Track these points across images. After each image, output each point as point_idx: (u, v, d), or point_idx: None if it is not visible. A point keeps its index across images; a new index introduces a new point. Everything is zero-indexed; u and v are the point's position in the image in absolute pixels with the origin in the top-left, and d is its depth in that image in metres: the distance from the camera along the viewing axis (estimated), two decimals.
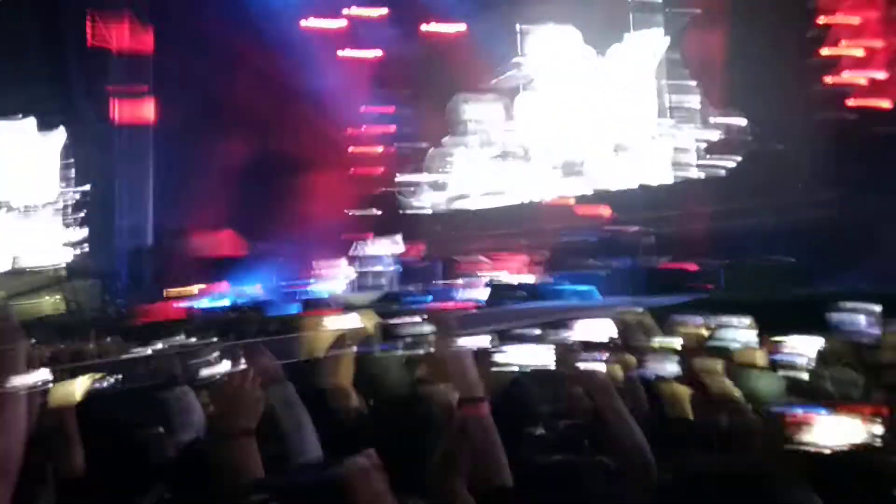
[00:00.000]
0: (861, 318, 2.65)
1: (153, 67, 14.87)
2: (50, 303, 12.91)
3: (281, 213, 13.41)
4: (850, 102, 10.00)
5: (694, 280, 9.34)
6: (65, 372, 2.43)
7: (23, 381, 1.48)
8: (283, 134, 13.69)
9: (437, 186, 15.40)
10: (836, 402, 1.35)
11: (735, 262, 9.48)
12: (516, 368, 2.27)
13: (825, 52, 10.24)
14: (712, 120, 11.82)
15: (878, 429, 1.25)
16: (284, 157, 13.87)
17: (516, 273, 11.46)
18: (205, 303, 12.55)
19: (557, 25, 13.45)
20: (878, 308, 2.61)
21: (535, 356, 2.25)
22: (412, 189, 15.63)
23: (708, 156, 12.02)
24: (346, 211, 15.00)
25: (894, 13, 9.72)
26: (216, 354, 2.34)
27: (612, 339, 2.79)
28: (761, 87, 10.84)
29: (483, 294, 10.54)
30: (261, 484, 1.25)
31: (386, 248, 12.61)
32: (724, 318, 3.05)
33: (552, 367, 2.23)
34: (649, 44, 12.56)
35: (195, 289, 12.99)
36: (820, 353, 2.68)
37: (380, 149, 15.94)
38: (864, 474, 1.24)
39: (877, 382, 2.32)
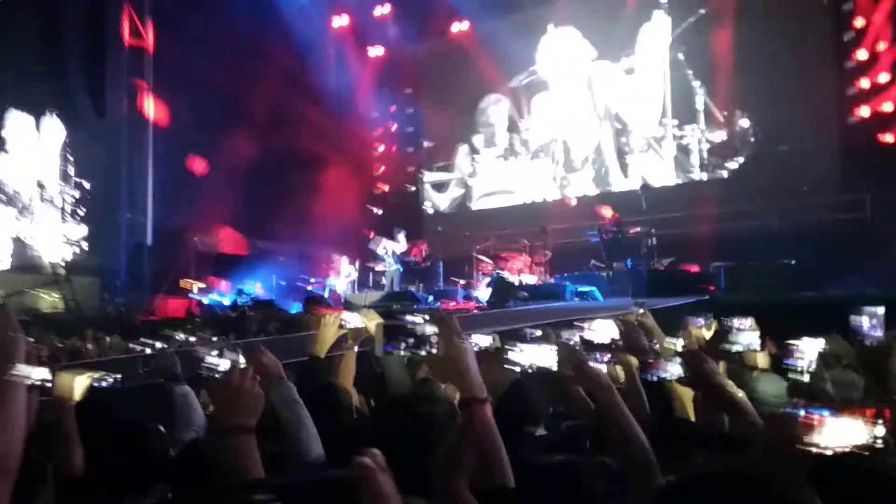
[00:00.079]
0: (865, 321, 2.63)
1: (155, 63, 14.87)
2: (48, 301, 12.91)
3: (284, 210, 13.42)
4: (859, 106, 9.97)
5: (697, 282, 9.33)
6: (64, 370, 2.42)
7: (23, 378, 1.47)
8: (288, 131, 13.70)
9: (442, 186, 15.41)
10: (839, 404, 1.35)
11: (738, 264, 9.48)
12: (518, 369, 2.26)
13: (854, 54, 10.20)
14: (719, 121, 11.81)
15: (881, 431, 1.25)
16: (288, 154, 13.89)
17: (519, 273, 11.46)
18: (207, 301, 12.56)
19: (566, 26, 13.45)
20: (882, 311, 2.59)
21: (537, 357, 2.24)
22: (417, 188, 15.65)
23: (714, 157, 12.02)
24: (350, 209, 15.02)
25: None
26: (216, 353, 2.34)
27: (614, 340, 2.78)
28: (767, 88, 10.83)
29: (486, 294, 10.54)
30: (265, 483, 1.24)
31: (390, 247, 12.61)
32: (727, 320, 3.04)
33: (554, 367, 2.22)
34: (657, 45, 12.55)
35: (197, 287, 13.00)
36: (823, 356, 2.67)
37: (399, 147, 15.98)
38: (867, 476, 1.23)
39: (880, 386, 2.30)
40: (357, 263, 13.11)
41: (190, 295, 12.64)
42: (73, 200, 15.13)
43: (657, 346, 3.05)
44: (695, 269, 9.84)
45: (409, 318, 2.22)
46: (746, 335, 2.94)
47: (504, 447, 1.74)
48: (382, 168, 16.11)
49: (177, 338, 3.99)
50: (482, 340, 2.34)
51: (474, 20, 14.28)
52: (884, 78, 9.98)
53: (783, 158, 10.75)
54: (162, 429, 2.28)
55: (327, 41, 14.82)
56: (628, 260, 10.61)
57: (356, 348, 2.90)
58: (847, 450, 1.23)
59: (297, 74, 13.84)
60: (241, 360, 2.21)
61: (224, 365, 2.18)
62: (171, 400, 2.70)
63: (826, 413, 1.26)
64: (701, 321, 3.13)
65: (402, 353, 2.19)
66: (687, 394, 2.25)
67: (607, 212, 11.36)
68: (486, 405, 1.78)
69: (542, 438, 2.51)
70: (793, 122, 10.71)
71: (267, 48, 13.51)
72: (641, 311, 3.43)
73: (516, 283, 10.77)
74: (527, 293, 10.20)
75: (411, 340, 2.23)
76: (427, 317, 2.05)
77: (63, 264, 14.22)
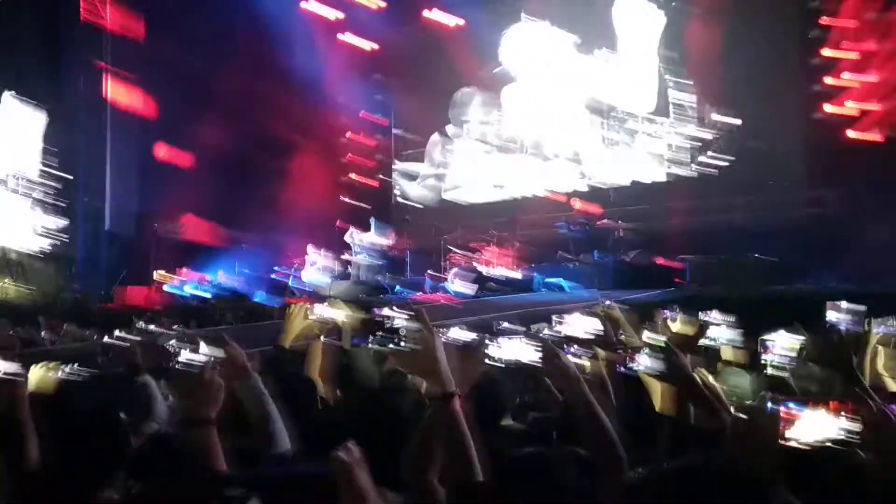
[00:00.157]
0: (841, 316, 2.68)
1: (136, 47, 14.46)
2: (1, 288, 12.55)
3: (252, 198, 13.22)
4: (841, 104, 10.12)
5: (676, 276, 9.41)
6: (17, 359, 2.33)
7: None
8: (272, 118, 13.44)
9: (425, 178, 15.34)
10: (814, 399, 1.36)
11: (705, 257, 9.58)
12: (492, 362, 2.25)
13: (820, 52, 10.35)
14: (702, 117, 11.88)
15: (855, 426, 1.26)
16: (272, 141, 13.65)
17: (500, 266, 11.47)
18: (181, 290, 12.32)
19: (552, 18, 13.41)
20: (858, 307, 2.64)
21: (513, 350, 2.23)
22: (399, 180, 15.55)
23: (684, 152, 12.13)
24: (318, 198, 14.85)
25: (891, 16, 9.86)
26: (177, 342, 2.28)
27: (593, 333, 2.78)
28: (738, 84, 10.93)
29: (467, 287, 10.51)
30: (239, 477, 1.22)
31: (370, 239, 12.52)
32: (705, 315, 3.06)
33: (526, 360, 2.22)
34: (644, 39, 12.57)
35: (174, 276, 12.75)
36: (799, 351, 2.71)
37: (368, 138, 15.83)
38: (841, 470, 1.25)
39: (854, 381, 2.35)
40: (323, 252, 12.98)
41: (166, 284, 12.37)
42: (28, 183, 14.66)
43: (623, 337, 3.07)
44: (675, 263, 9.92)
45: (382, 310, 2.19)
46: (724, 330, 2.99)
47: (472, 441, 1.73)
48: (352, 157, 15.97)
49: (138, 327, 3.90)
50: (462, 335, 2.33)
51: (449, 8, 14.21)
52: (848, 76, 10.18)
53: (753, 154, 10.88)
54: (123, 418, 2.21)
55: (298, 27, 14.58)
56: (594, 252, 10.71)
57: (323, 339, 2.86)
58: (822, 445, 1.24)
59: (267, 60, 13.61)
60: (206, 349, 2.16)
61: (186, 355, 2.13)
62: (131, 390, 2.63)
63: (801, 408, 1.28)
64: (667, 313, 3.15)
65: (371, 345, 2.16)
66: (665, 388, 2.26)
67: (576, 204, 11.43)
68: (455, 400, 1.77)
69: (511, 430, 2.51)
70: (763, 118, 10.84)
71: (237, 32, 13.23)
72: (608, 302, 3.45)
73: (498, 276, 10.81)
74: (495, 284, 10.23)
75: (380, 333, 2.20)
76: (400, 309, 2.02)
77: (15, 250, 13.80)
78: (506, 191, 14.05)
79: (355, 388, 2.83)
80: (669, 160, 12.28)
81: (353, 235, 12.64)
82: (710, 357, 3.04)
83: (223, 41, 13.08)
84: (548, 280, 10.02)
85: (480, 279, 10.45)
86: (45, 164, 14.52)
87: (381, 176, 15.63)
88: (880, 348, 2.70)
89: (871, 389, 2.17)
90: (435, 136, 15.05)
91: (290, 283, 12.34)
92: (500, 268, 11.46)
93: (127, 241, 13.88)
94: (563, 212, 12.11)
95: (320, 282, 12.27)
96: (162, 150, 13.90)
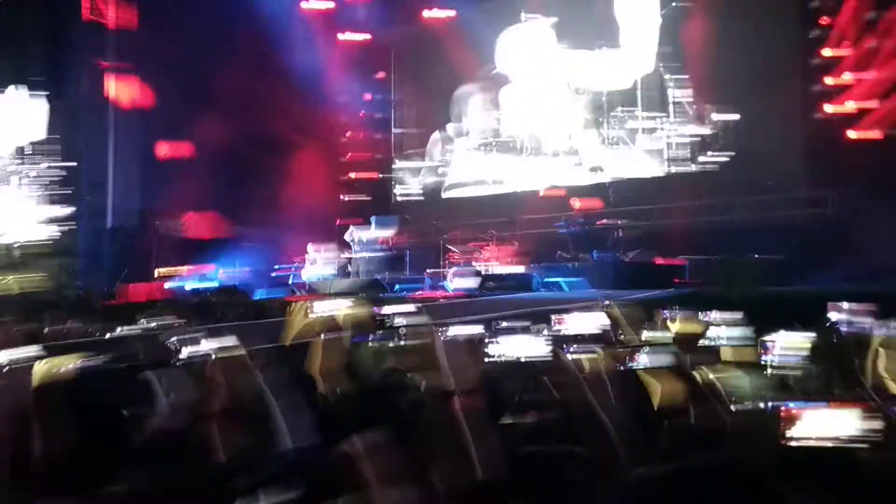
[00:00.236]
0: (847, 316, 2.70)
1: (138, 45, 14.46)
2: (3, 283, 12.56)
3: (253, 195, 13.23)
4: (841, 103, 10.12)
5: (680, 275, 9.40)
6: (22, 353, 2.35)
7: None
8: (273, 116, 13.46)
9: (427, 174, 15.34)
10: (822, 398, 1.37)
11: (721, 257, 9.55)
12: (493, 360, 2.26)
13: (820, 51, 10.35)
14: (702, 114, 11.87)
15: (863, 424, 1.27)
16: (273, 139, 13.66)
17: (503, 263, 11.48)
18: (183, 285, 12.32)
19: (551, 15, 13.40)
20: (864, 307, 2.65)
21: (515, 348, 2.25)
22: (401, 176, 15.55)
23: (684, 151, 12.12)
24: (334, 196, 14.89)
25: (892, 15, 9.86)
26: (179, 338, 2.30)
27: (597, 332, 2.80)
28: (739, 83, 10.93)
29: (469, 283, 10.51)
30: (247, 468, 1.24)
31: (373, 235, 12.54)
32: (710, 314, 3.08)
33: (527, 358, 2.23)
34: (640, 36, 12.54)
35: (175, 271, 12.77)
36: (804, 350, 2.72)
37: (370, 134, 15.84)
38: (848, 468, 1.26)
39: (859, 380, 2.36)
40: (324, 250, 12.99)
41: (168, 279, 12.39)
42: (31, 180, 14.68)
43: (623, 336, 3.08)
44: (679, 261, 9.92)
45: (384, 308, 2.21)
46: (729, 329, 3.00)
47: (471, 440, 1.75)
48: (352, 154, 15.97)
49: (141, 322, 3.91)
50: (462, 332, 2.34)
51: (449, 7, 14.21)
52: (848, 75, 10.17)
53: (752, 153, 10.88)
54: (126, 413, 2.23)
55: (299, 24, 14.58)
56: (593, 251, 10.71)
57: (324, 336, 2.88)
58: (829, 443, 1.25)
59: (268, 57, 13.61)
60: (208, 346, 2.18)
61: (188, 351, 2.15)
62: (134, 386, 2.65)
63: (808, 406, 1.28)
64: (667, 313, 3.17)
65: (372, 343, 2.17)
66: (669, 386, 2.27)
67: (576, 203, 11.43)
68: (454, 399, 1.79)
69: (510, 428, 2.52)
70: (762, 118, 10.83)
71: (238, 30, 13.24)
72: (607, 302, 3.47)
73: (500, 273, 10.82)
74: (495, 283, 10.24)
75: (382, 330, 2.21)
76: (402, 307, 2.04)
77: (20, 245, 13.83)
78: (505, 189, 14.06)
79: (356, 385, 2.84)
80: (669, 158, 12.28)
81: (353, 233, 12.66)
82: (711, 356, 3.06)
83: (224, 39, 13.09)
84: (547, 279, 10.03)
85: (492, 277, 10.47)
86: (49, 159, 14.55)
87: (380, 174, 15.64)
88: (882, 350, 2.71)
89: (873, 391, 2.19)
90: (435, 135, 15.05)
91: (290, 281, 12.36)
92: (500, 266, 11.47)
93: (129, 238, 13.90)
94: (563, 211, 12.12)
95: (321, 279, 12.28)
96: (164, 148, 13.91)
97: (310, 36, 14.19)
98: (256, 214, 13.35)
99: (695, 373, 2.26)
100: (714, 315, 3.03)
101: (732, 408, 2.03)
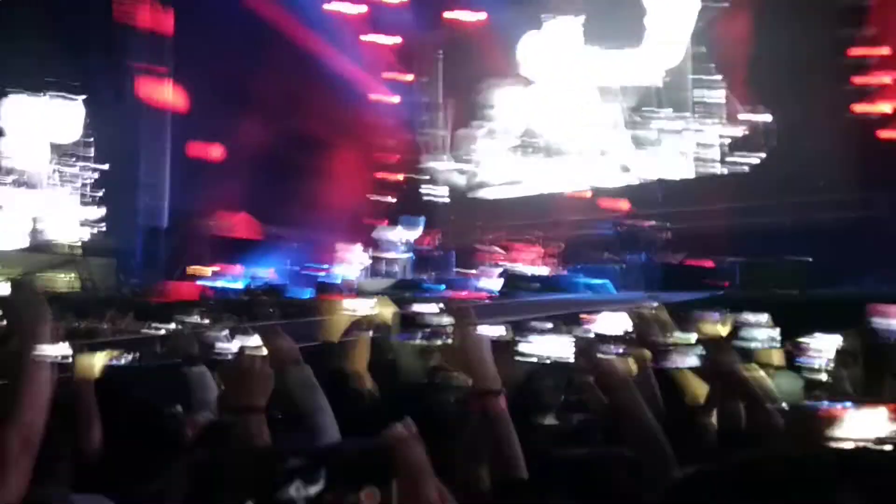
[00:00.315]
0: (883, 319, 2.63)
1: (174, 48, 14.91)
2: (65, 281, 13.04)
3: (298, 196, 13.45)
4: (878, 104, 9.83)
5: (711, 277, 9.25)
6: (83, 348, 2.45)
7: (48, 352, 1.50)
8: (303, 117, 13.71)
9: (455, 175, 15.38)
10: (859, 399, 1.34)
11: (753, 260, 9.39)
12: (532, 360, 2.26)
13: (855, 52, 10.06)
14: (737, 116, 11.67)
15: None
16: (303, 140, 13.90)
17: (531, 264, 11.44)
18: (219, 284, 12.63)
19: (579, 15, 13.33)
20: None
21: (551, 348, 2.24)
22: (430, 176, 15.62)
23: (731, 152, 11.90)
24: (363, 196, 15.04)
25: None
26: (230, 334, 2.35)
27: (627, 333, 2.77)
28: (787, 83, 10.69)
29: (497, 284, 10.53)
30: (299, 450, 1.27)
31: (402, 235, 12.63)
32: (743, 316, 3.04)
33: (568, 359, 2.22)
34: (674, 37, 12.39)
35: (210, 270, 13.09)
36: (839, 353, 2.66)
37: (400, 135, 15.95)
38: (888, 470, 1.23)
39: (885, 383, 2.30)
40: (370, 251, 13.14)
41: (205, 278, 12.72)
42: (92, 182, 15.23)
43: (671, 339, 3.04)
44: (709, 264, 9.76)
45: (424, 307, 2.23)
46: (762, 332, 2.94)
47: (517, 439, 1.75)
48: (394, 156, 16.10)
49: (192, 319, 4.03)
50: (492, 331, 2.35)
51: (487, 10, 14.22)
52: (880, 76, 9.88)
53: (800, 155, 10.63)
54: (179, 408, 2.30)
55: (342, 28, 14.78)
56: (642, 253, 10.57)
57: (370, 334, 2.92)
58: (868, 444, 1.23)
59: (311, 62, 13.84)
60: (256, 342, 2.23)
61: (237, 346, 2.21)
62: (187, 380, 2.73)
63: (846, 406, 1.26)
64: (717, 315, 3.12)
65: (417, 341, 2.19)
66: (701, 388, 2.25)
67: (622, 204, 11.30)
68: (500, 398, 1.79)
69: (555, 429, 2.52)
70: (810, 119, 10.58)
71: (281, 34, 13.50)
72: (655, 304, 3.42)
73: (529, 274, 10.76)
74: (539, 284, 10.19)
75: (426, 329, 2.23)
76: (443, 306, 2.05)
77: (80, 245, 14.36)
78: (546, 189, 13.99)
79: (400, 382, 2.87)
80: (711, 160, 12.07)
81: (387, 233, 12.75)
82: (749, 358, 3.01)
83: (259, 41, 13.34)
84: (592, 281, 9.93)
85: (520, 278, 10.43)
86: (107, 164, 15.08)
87: (412, 175, 15.71)
88: None
89: None
90: (466, 136, 15.07)
91: (338, 280, 12.53)
92: (544, 267, 11.41)
93: (180, 237, 14.30)
94: (598, 213, 12.02)
95: (364, 278, 12.42)
96: (214, 150, 14.27)
97: (342, 38, 14.36)
98: (301, 214, 13.57)
99: (738, 374, 2.22)
100: (747, 317, 2.98)
101: (774, 407, 2.00)
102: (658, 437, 1.85)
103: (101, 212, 15.20)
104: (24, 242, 14.72)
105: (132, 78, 14.85)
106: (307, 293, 11.21)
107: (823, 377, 2.53)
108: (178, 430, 2.28)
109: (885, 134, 9.62)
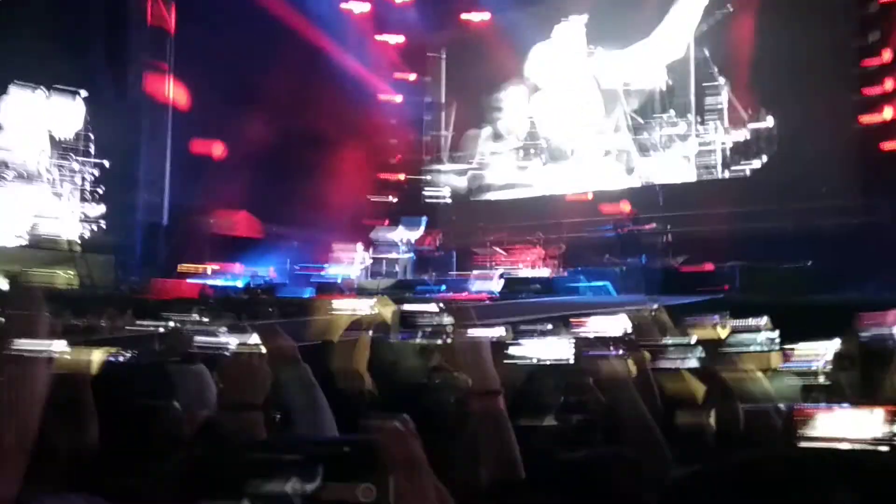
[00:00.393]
0: (879, 325, 2.64)
1: (176, 44, 14.89)
2: (63, 277, 13.03)
3: (300, 195, 13.45)
4: (882, 111, 9.84)
5: (711, 280, 9.27)
6: (79, 344, 2.44)
7: (44, 348, 1.49)
8: (305, 116, 13.70)
9: (458, 176, 15.39)
10: (854, 401, 1.35)
11: (753, 264, 9.40)
12: (531, 361, 2.26)
13: (860, 59, 10.08)
14: (740, 120, 11.68)
15: (885, 427, 1.25)
16: (304, 139, 13.89)
17: (532, 266, 11.44)
18: (218, 282, 12.63)
19: (583, 16, 13.33)
20: (890, 317, 2.59)
21: (550, 350, 2.24)
22: (432, 177, 15.63)
23: (733, 156, 11.90)
24: (365, 196, 15.04)
25: None
26: (228, 332, 2.35)
27: (626, 335, 2.77)
28: (790, 88, 10.71)
29: (497, 286, 10.53)
30: (292, 443, 1.26)
31: (402, 236, 12.63)
32: (741, 320, 3.04)
33: (567, 360, 2.22)
34: (677, 40, 12.40)
35: (209, 268, 13.08)
36: (836, 357, 2.66)
37: (403, 135, 15.96)
38: (881, 471, 1.23)
39: (881, 387, 2.31)
40: (371, 250, 13.14)
41: (203, 276, 12.70)
42: (92, 179, 15.21)
43: (670, 341, 3.04)
44: (709, 267, 9.78)
45: (424, 306, 2.22)
46: (760, 336, 2.95)
47: (515, 441, 1.75)
48: (397, 156, 16.10)
49: (190, 317, 4.01)
50: (492, 332, 2.34)
51: (494, 10, 14.21)
52: (886, 87, 9.88)
53: (802, 160, 10.65)
54: (177, 405, 2.29)
55: (346, 26, 14.77)
56: (643, 256, 10.58)
57: (370, 333, 2.91)
58: (862, 445, 1.23)
59: (315, 59, 13.83)
60: (254, 340, 2.22)
61: (235, 344, 2.20)
62: (185, 378, 2.72)
63: (841, 407, 1.27)
64: (716, 318, 3.12)
65: (417, 341, 2.18)
66: (698, 387, 2.25)
67: (624, 207, 11.30)
68: (499, 398, 1.79)
69: (554, 430, 2.51)
70: (812, 125, 10.61)
71: (286, 32, 13.49)
72: (656, 305, 3.42)
73: (529, 276, 10.78)
74: (539, 286, 10.20)
75: (427, 329, 2.22)
76: (442, 306, 2.05)
77: (79, 241, 14.34)
78: (548, 191, 13.99)
79: (400, 382, 2.87)
80: (718, 164, 12.07)
81: (388, 233, 12.76)
82: (748, 362, 3.02)
83: (263, 38, 13.32)
84: (593, 283, 9.94)
85: (520, 280, 10.45)
86: (107, 160, 15.04)
87: (415, 175, 15.72)
88: None
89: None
90: (471, 137, 15.07)
91: (339, 279, 12.53)
92: (545, 269, 11.41)
93: (180, 235, 14.28)
94: (601, 215, 12.02)
95: (364, 277, 12.43)
96: (215, 148, 14.26)
97: (347, 37, 14.36)
98: (302, 214, 13.56)
99: (736, 377, 2.22)
100: (758, 322, 2.99)
101: (758, 408, 2.01)
102: (657, 437, 1.85)
103: (101, 208, 15.18)
104: (23, 239, 14.71)
105: (134, 74, 14.83)
106: (307, 292, 11.21)
107: (821, 380, 2.54)
108: (175, 427, 2.27)
109: (888, 145, 9.64)
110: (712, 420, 2.23)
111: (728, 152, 11.89)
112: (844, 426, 1.27)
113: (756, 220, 10.59)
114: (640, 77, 12.82)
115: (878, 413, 1.27)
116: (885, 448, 1.26)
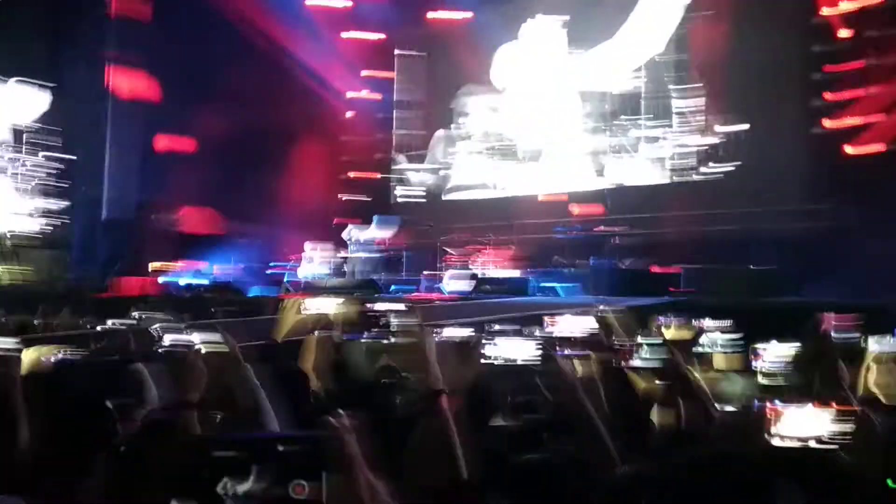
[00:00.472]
0: (837, 327, 2.74)
1: (140, 37, 14.40)
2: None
3: (251, 191, 13.20)
4: (843, 118, 10.16)
5: (675, 283, 9.42)
6: (10, 343, 2.33)
7: None
8: (272, 113, 13.42)
9: (427, 175, 15.33)
10: (809, 400, 1.38)
11: (719, 267, 9.57)
12: (490, 361, 2.26)
13: (825, 67, 10.39)
14: (707, 125, 11.86)
15: (846, 426, 1.28)
16: (272, 136, 13.63)
17: (498, 266, 11.49)
18: (176, 281, 12.30)
19: (555, 18, 13.37)
20: (852, 318, 2.69)
21: (508, 350, 2.25)
22: (401, 176, 15.54)
23: (685, 161, 12.12)
24: (332, 195, 14.88)
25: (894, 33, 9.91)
26: (166, 330, 2.29)
27: (590, 336, 2.80)
28: (758, 94, 10.94)
29: (464, 286, 10.53)
30: (229, 440, 1.23)
31: (371, 235, 12.54)
32: (703, 321, 3.11)
33: (524, 360, 2.23)
34: (648, 42, 12.53)
35: (169, 266, 12.73)
36: (794, 359, 2.74)
37: (371, 134, 15.83)
38: (832, 468, 1.26)
39: (843, 387, 2.39)
40: (321, 248, 12.98)
41: (162, 273, 12.36)
42: (26, 171, 14.59)
43: (616, 341, 3.08)
44: (676, 269, 9.93)
45: (375, 306, 2.20)
46: (721, 336, 3.03)
47: (458, 441, 1.75)
48: (354, 154, 15.97)
49: (131, 315, 3.89)
50: (457, 333, 2.34)
51: (461, 8, 14.22)
52: (850, 92, 10.22)
53: (753, 165, 10.91)
54: (110, 405, 2.21)
55: (314, 23, 14.57)
56: (591, 258, 10.73)
57: (317, 333, 2.87)
58: (814, 443, 1.26)
59: (271, 53, 13.60)
60: (197, 339, 2.17)
61: (174, 342, 2.15)
62: (123, 377, 2.63)
63: (795, 406, 1.29)
64: (679, 319, 3.20)
65: (365, 340, 2.16)
66: (654, 387, 2.28)
67: (594, 209, 11.44)
68: (442, 398, 1.79)
69: (502, 430, 2.52)
70: (778, 130, 10.85)
71: (242, 24, 13.24)
72: (601, 307, 3.47)
73: (496, 277, 10.84)
74: (505, 286, 10.25)
75: (375, 329, 2.20)
76: (395, 306, 2.03)
77: (9, 236, 13.74)
78: (505, 193, 14.07)
79: (348, 382, 2.83)
80: (671, 168, 12.29)
81: (351, 232, 12.65)
82: (701, 362, 3.08)
83: (226, 33, 13.06)
84: (543, 284, 10.04)
85: (487, 280, 10.49)
86: (45, 150, 14.47)
87: (381, 174, 15.64)
88: (874, 365, 2.73)
89: (864, 404, 2.20)
90: (438, 136, 15.06)
91: (286, 278, 12.35)
92: (496, 270, 11.48)
93: (124, 231, 13.84)
94: (563, 216, 12.13)
95: (316, 277, 12.28)
96: (162, 141, 13.87)
97: (314, 33, 14.18)
98: (254, 211, 13.33)
99: (696, 377, 2.26)
100: (706, 322, 3.06)
101: (718, 407, 2.05)
102: (603, 436, 1.87)
103: (40, 202, 14.57)
104: None
105: (103, 67, 14.29)
106: (257, 290, 11.02)
107: (780, 381, 2.62)
108: (110, 427, 2.19)
109: (848, 149, 9.95)
110: (666, 419, 2.27)
111: (699, 156, 12.04)
112: (807, 424, 1.30)
113: (722, 224, 10.73)
114: (609, 79, 12.91)
115: (827, 412, 1.31)
116: (831, 446, 1.29)
